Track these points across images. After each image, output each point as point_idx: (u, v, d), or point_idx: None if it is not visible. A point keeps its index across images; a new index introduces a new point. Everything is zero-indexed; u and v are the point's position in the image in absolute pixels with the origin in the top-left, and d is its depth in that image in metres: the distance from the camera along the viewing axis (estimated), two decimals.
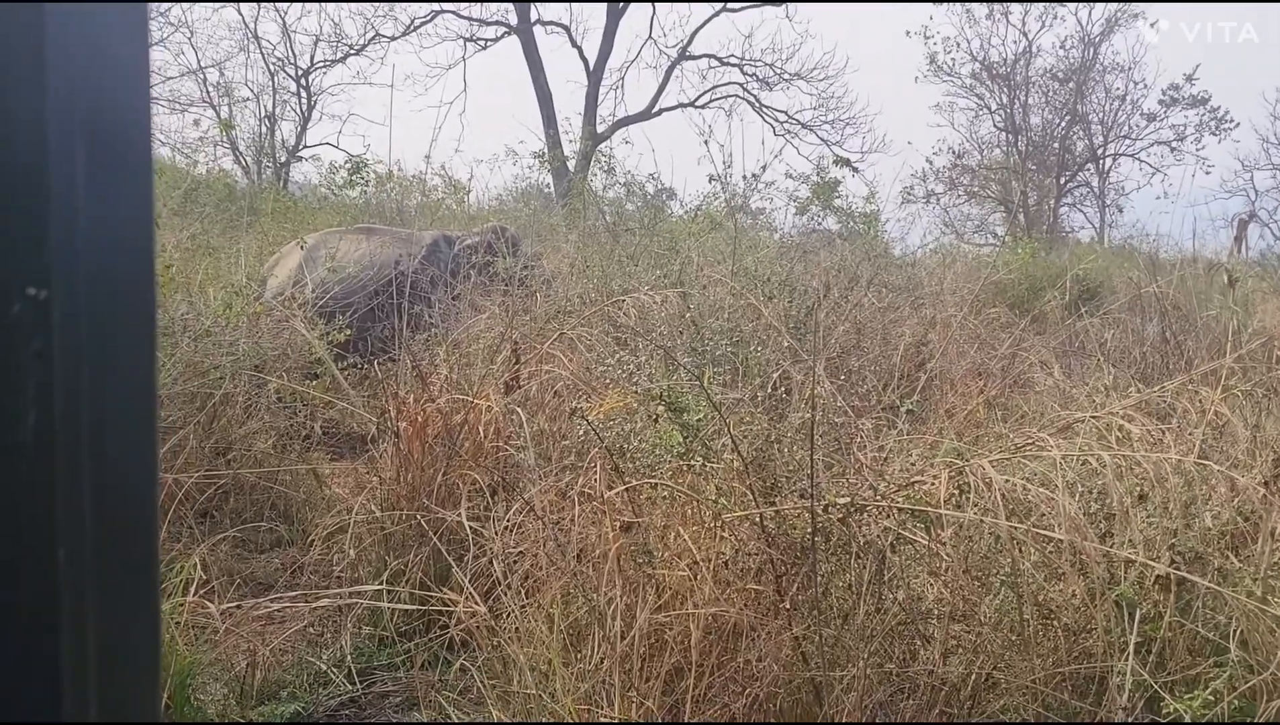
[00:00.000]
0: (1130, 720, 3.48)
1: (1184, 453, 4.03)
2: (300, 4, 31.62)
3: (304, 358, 7.85)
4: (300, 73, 28.63)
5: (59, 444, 0.71)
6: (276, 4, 28.91)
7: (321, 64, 29.11)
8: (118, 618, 0.77)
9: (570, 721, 3.89)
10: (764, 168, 18.16)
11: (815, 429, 4.18)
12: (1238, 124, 33.58)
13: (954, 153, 35.89)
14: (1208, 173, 33.70)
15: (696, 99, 31.77)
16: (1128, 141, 35.57)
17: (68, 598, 0.72)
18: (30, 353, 0.70)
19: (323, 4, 28.69)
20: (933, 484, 4.08)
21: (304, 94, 28.66)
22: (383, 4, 31.40)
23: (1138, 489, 3.95)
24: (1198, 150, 34.03)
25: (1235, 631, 3.57)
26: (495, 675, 4.39)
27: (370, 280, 9.60)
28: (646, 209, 15.42)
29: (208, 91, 27.95)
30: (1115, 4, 34.51)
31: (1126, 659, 3.52)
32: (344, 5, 29.22)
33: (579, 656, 4.04)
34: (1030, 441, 4.34)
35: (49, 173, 0.72)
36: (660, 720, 3.86)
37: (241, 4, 27.81)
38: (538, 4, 30.69)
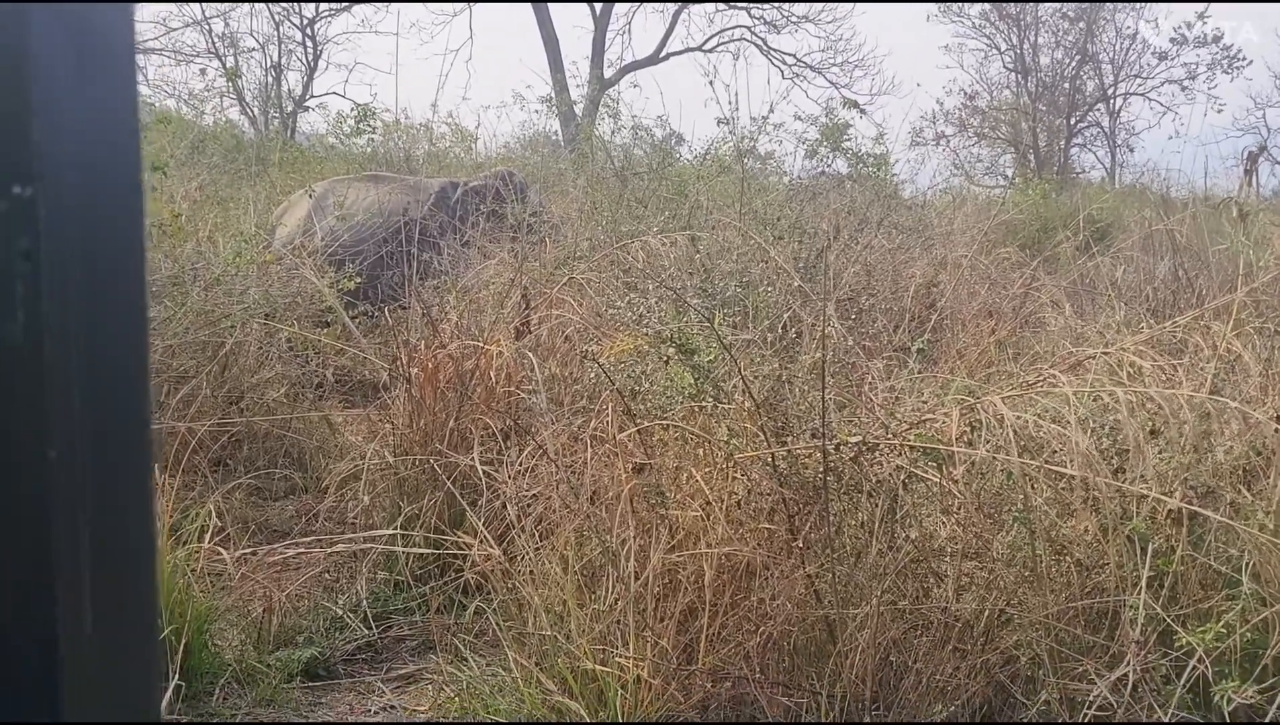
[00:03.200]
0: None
1: (1196, 388, 4.01)
2: None
3: (314, 306, 7.85)
4: (305, 22, 28.46)
5: (49, 346, 0.70)
6: None
7: (327, 13, 28.93)
8: (111, 516, 0.77)
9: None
10: (771, 109, 18.08)
11: (826, 368, 4.17)
12: (1250, 61, 33.26)
13: (964, 94, 35.65)
14: (1219, 111, 33.40)
15: (704, 43, 31.58)
16: (1138, 81, 35.27)
17: (59, 498, 0.72)
18: (17, 252, 0.69)
19: None
20: (944, 422, 4.07)
21: (310, 43, 28.51)
22: None
23: (1150, 424, 3.94)
24: (1209, 89, 33.73)
25: (1247, 565, 3.57)
26: (510, 617, 4.41)
27: (379, 227, 9.58)
28: (655, 153, 15.35)
29: (213, 42, 27.79)
30: None
31: (1139, 593, 3.51)
32: None
33: (593, 597, 4.06)
34: (1041, 378, 4.33)
35: (31, 64, 0.70)
36: (675, 660, 3.87)
37: None
38: None
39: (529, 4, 30.33)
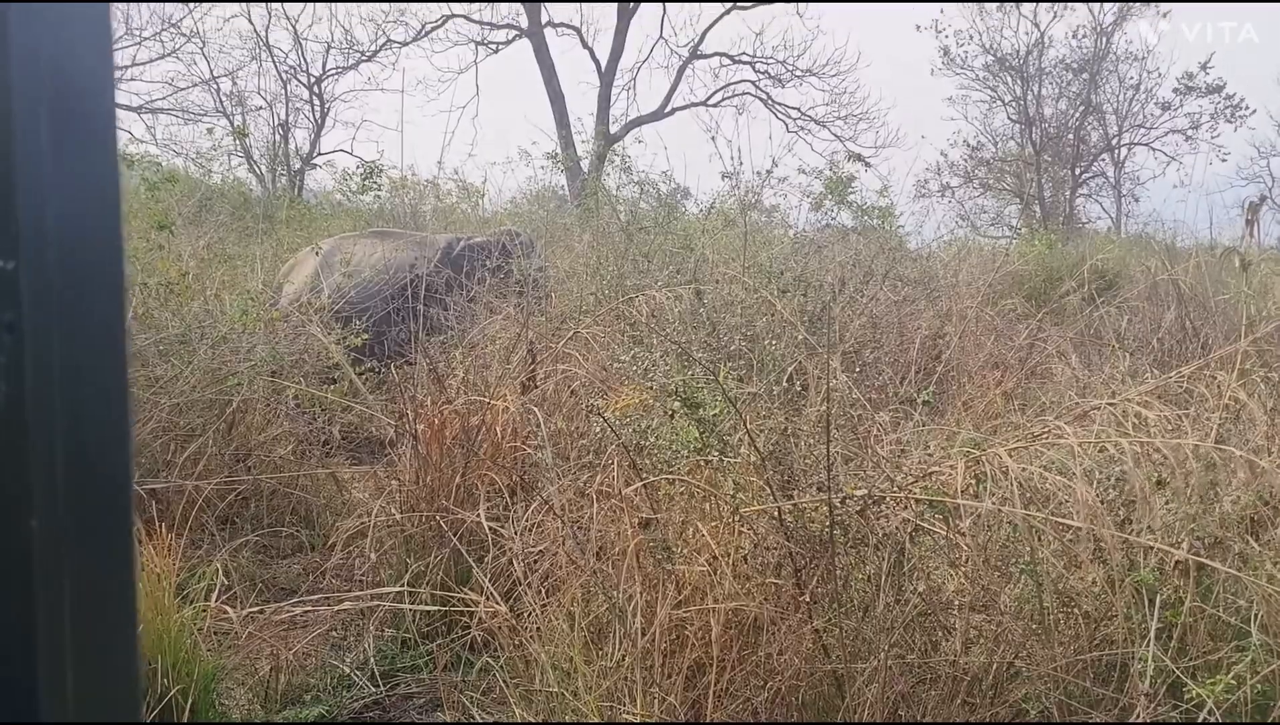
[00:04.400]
0: (1157, 721, 3.45)
1: (1201, 438, 4.01)
2: (311, 10, 31.57)
3: (321, 363, 7.87)
4: (313, 80, 28.67)
5: (31, 417, 0.71)
6: (287, 9, 28.95)
7: (334, 71, 29.15)
8: (93, 583, 0.77)
9: (592, 721, 3.88)
10: (775, 162, 18.14)
11: (830, 421, 4.17)
12: (1253, 111, 33.39)
13: (969, 145, 35.80)
14: (1223, 160, 33.50)
15: (709, 98, 31.74)
16: (1142, 131, 35.41)
17: (42, 567, 0.72)
18: (0, 324, 0.70)
19: (333, 11, 28.72)
20: (949, 474, 4.06)
21: (317, 101, 28.70)
22: (394, 8, 31.44)
23: (1155, 475, 3.93)
24: (1213, 138, 33.86)
25: (1256, 616, 3.55)
26: (517, 674, 4.39)
27: (385, 284, 9.62)
28: (660, 207, 15.40)
29: (221, 101, 28.04)
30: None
31: (1148, 645, 3.50)
32: (355, 11, 29.27)
33: (600, 654, 4.04)
34: (1046, 430, 4.32)
35: (14, 141, 0.71)
36: (683, 717, 3.85)
37: (252, 11, 27.87)
38: (548, 5, 30.64)
39: (535, 61, 30.53)
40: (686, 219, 14.03)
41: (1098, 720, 3.67)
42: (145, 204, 8.96)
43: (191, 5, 27.01)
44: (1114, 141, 35.91)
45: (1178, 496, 3.89)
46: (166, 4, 27.21)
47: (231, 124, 26.66)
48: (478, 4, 32.17)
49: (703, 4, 42.59)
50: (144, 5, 26.65)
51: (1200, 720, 3.32)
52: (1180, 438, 4.05)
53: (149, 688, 4.18)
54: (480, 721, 4.29)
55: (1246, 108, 33.41)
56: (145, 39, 27.92)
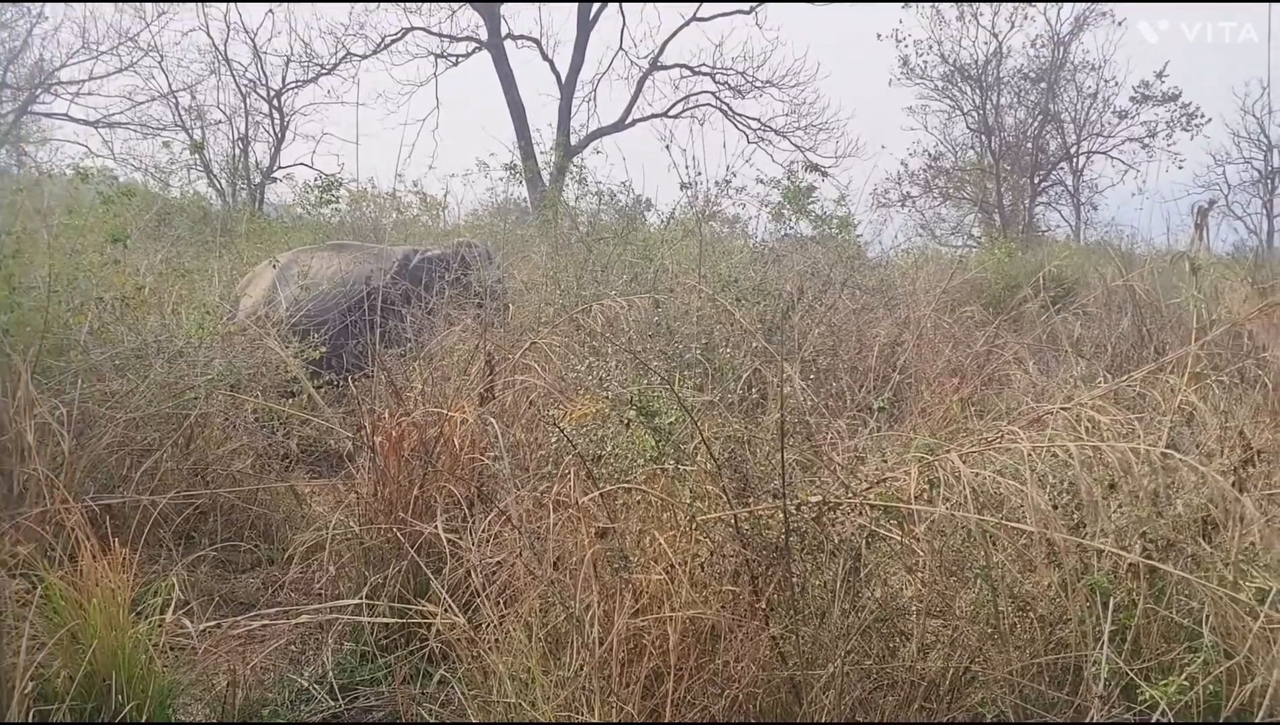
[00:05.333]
0: (1112, 720, 3.48)
1: (1153, 442, 4.04)
2: (271, 23, 31.43)
3: (279, 376, 7.84)
4: (272, 94, 28.61)
5: None
6: (246, 22, 28.87)
7: (293, 84, 29.10)
8: None
9: (554, 722, 3.88)
10: (730, 172, 18.17)
11: (784, 427, 4.18)
12: (1208, 119, 33.73)
13: (928, 155, 36.00)
14: (1180, 168, 33.87)
15: (669, 109, 31.85)
16: (1100, 139, 35.71)
17: None
18: None
19: (293, 23, 28.66)
20: (904, 480, 4.08)
21: (277, 115, 28.63)
22: (354, 21, 31.40)
23: (1108, 479, 3.97)
24: (1169, 146, 34.20)
25: (1207, 617, 3.58)
26: (476, 686, 4.38)
27: (343, 297, 9.60)
28: (620, 218, 15.42)
29: (180, 115, 27.94)
30: (1082, 3, 34.62)
31: (1102, 647, 3.52)
32: (314, 24, 29.23)
33: (558, 664, 4.04)
34: (1000, 435, 4.35)
35: None
36: (643, 722, 3.85)
37: (211, 25, 27.80)
38: (507, 18, 30.64)
39: (494, 73, 30.52)
40: (647, 230, 14.05)
41: (1053, 722, 3.70)
42: (101, 218, 8.90)
43: (149, 19, 26.91)
44: (1072, 150, 36.18)
45: (1130, 500, 3.92)
46: (124, 16, 27.10)
47: (191, 137, 26.56)
48: (438, 16, 32.16)
49: (662, 15, 42.73)
50: (101, 19, 26.54)
51: (1154, 721, 3.34)
52: (1133, 441, 4.08)
53: (103, 704, 4.16)
54: (441, 723, 4.28)
55: (1202, 116, 33.75)
56: (102, 53, 27.84)
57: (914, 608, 4.13)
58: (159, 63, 28.28)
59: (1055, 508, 3.88)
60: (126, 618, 4.38)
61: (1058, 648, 3.84)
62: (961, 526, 3.97)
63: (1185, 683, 3.40)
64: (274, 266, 9.88)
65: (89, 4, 33.20)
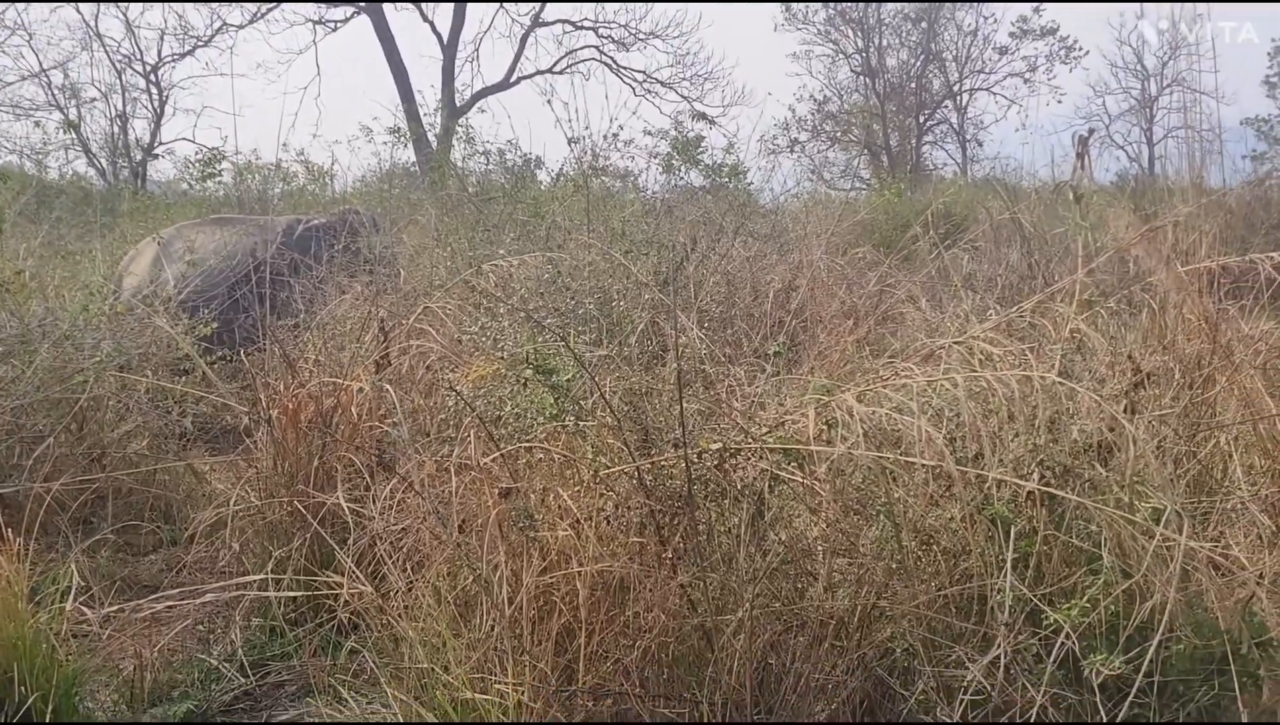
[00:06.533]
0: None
1: (1046, 370, 4.09)
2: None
3: (170, 355, 7.71)
4: (148, 69, 28.07)
5: None
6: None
7: (170, 58, 28.54)
8: None
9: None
10: (615, 124, 18.09)
11: (682, 378, 4.19)
12: (1086, 51, 34.27)
13: (815, 100, 36.19)
14: (1060, 102, 34.43)
15: (554, 65, 31.71)
16: (983, 76, 36.14)
17: None
18: None
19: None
20: (803, 422, 4.11)
21: (154, 90, 28.10)
22: None
23: (1003, 409, 4.02)
24: (1050, 80, 34.71)
25: (1105, 540, 3.65)
26: (387, 653, 4.36)
27: (230, 270, 9.46)
28: (510, 177, 15.33)
29: (53, 94, 27.28)
30: None
31: (1005, 576, 3.57)
32: None
33: (469, 626, 4.03)
34: (894, 372, 4.39)
35: None
36: (554, 683, 3.85)
37: (79, 4, 27.16)
38: None
39: (375, 37, 30.16)
40: (538, 187, 13.98)
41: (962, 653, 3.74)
42: None
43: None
44: (955, 88, 36.60)
45: (1027, 428, 3.97)
46: None
47: (66, 117, 25.98)
48: None
49: None
50: None
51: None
52: (1025, 371, 4.13)
53: (5, 696, 4.08)
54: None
55: (1080, 48, 34.26)
56: None
57: (819, 548, 4.17)
58: (28, 41, 27.58)
59: (952, 440, 3.92)
60: (25, 608, 4.30)
61: (962, 579, 3.89)
62: (861, 465, 4.00)
63: (1087, 605, 3.47)
64: (158, 242, 9.70)
65: None
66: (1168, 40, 33.24)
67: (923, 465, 3.87)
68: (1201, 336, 4.97)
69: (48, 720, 4.06)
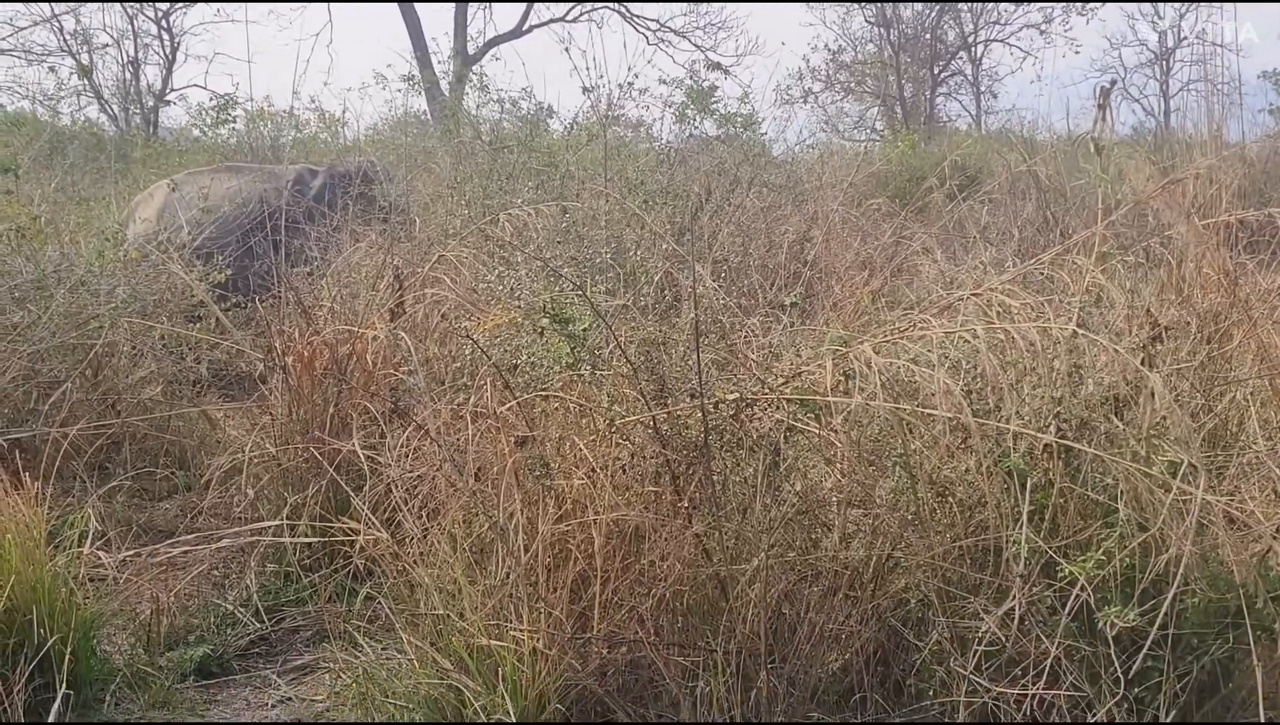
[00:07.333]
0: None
1: (1063, 323, 4.08)
2: None
3: (184, 301, 7.72)
4: (160, 14, 27.90)
5: None
6: None
7: (181, 4, 28.37)
8: None
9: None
10: (632, 73, 17.99)
11: (699, 327, 4.19)
12: (1103, 2, 33.99)
13: (829, 50, 35.96)
14: (1077, 53, 34.22)
15: (567, 13, 31.51)
16: (998, 27, 35.86)
17: None
18: None
19: None
20: (819, 373, 4.10)
21: (166, 36, 27.96)
22: None
23: (1021, 361, 4.01)
24: (1066, 31, 34.43)
25: (1122, 493, 3.64)
26: (402, 600, 4.38)
27: (243, 218, 9.45)
28: (524, 126, 15.27)
29: (65, 40, 27.14)
30: None
31: (1020, 528, 3.57)
32: None
33: (484, 573, 4.04)
34: (912, 324, 4.38)
35: None
36: (569, 629, 3.87)
37: None
38: None
39: None
40: (551, 136, 13.93)
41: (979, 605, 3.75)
42: None
43: None
44: (970, 39, 36.32)
45: (1044, 380, 3.96)
46: None
47: (78, 62, 25.89)
48: None
49: None
50: None
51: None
52: (1043, 323, 4.12)
53: (25, 639, 4.11)
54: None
55: None
56: None
57: (834, 498, 4.18)
58: None
59: (969, 393, 3.91)
60: (44, 552, 4.33)
61: (977, 530, 3.89)
62: (878, 416, 4.00)
63: (1102, 557, 3.47)
64: (172, 189, 9.68)
65: None
66: None
67: (940, 417, 3.86)
68: (1219, 291, 4.95)
69: (66, 665, 4.07)
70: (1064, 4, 33.92)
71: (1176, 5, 34.24)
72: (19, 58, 26.63)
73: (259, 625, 4.98)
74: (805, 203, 9.92)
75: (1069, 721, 3.59)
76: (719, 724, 3.78)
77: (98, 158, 15.13)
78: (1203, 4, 32.39)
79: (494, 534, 4.05)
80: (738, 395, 4.09)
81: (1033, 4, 34.40)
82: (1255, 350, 4.84)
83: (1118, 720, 3.51)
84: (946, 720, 3.77)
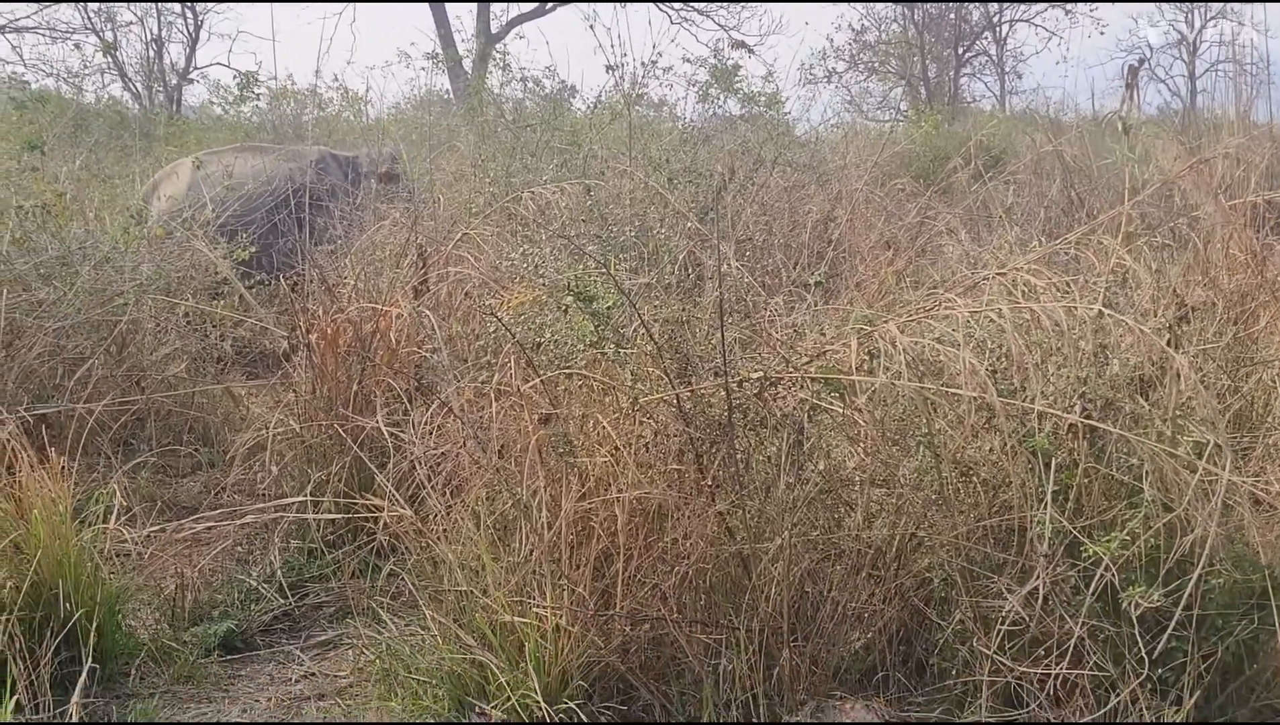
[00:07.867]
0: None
1: (1089, 303, 4.06)
2: None
3: (208, 279, 7.74)
4: None
5: None
6: None
7: None
8: None
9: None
10: (657, 52, 17.99)
11: (723, 306, 4.18)
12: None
13: (852, 30, 35.84)
14: (1102, 33, 34.03)
15: None
16: (1023, 7, 35.66)
17: None
18: None
19: None
20: (843, 352, 4.10)
21: (190, 14, 27.99)
22: None
23: (1047, 341, 3.99)
24: (1091, 11, 34.21)
25: (1146, 473, 3.63)
26: (426, 577, 4.39)
27: (269, 195, 9.46)
28: (547, 104, 15.25)
29: (89, 17, 27.20)
30: None
31: (1045, 508, 3.57)
32: None
33: (508, 550, 4.05)
34: (937, 303, 4.36)
35: None
36: (592, 605, 3.87)
37: None
38: None
39: None
40: (574, 115, 13.91)
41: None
42: (15, 125, 8.71)
43: None
44: (995, 19, 36.15)
45: (1069, 361, 3.95)
46: None
47: (102, 40, 25.95)
48: None
49: None
50: None
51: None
52: (1069, 303, 4.10)
53: (51, 613, 4.13)
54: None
55: None
56: None
57: (858, 478, 4.18)
58: None
59: (994, 372, 3.90)
60: (70, 526, 4.35)
61: (1001, 510, 3.89)
62: (902, 395, 3.99)
63: (1127, 538, 3.46)
64: (198, 167, 9.70)
65: None
66: None
67: (965, 396, 3.86)
68: (1247, 271, 4.93)
69: (91, 639, 4.09)
70: None
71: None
72: (44, 35, 26.73)
73: (283, 601, 5.00)
74: (829, 182, 9.88)
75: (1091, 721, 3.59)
76: None
77: (122, 135, 15.17)
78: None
79: (517, 511, 4.06)
80: (761, 374, 4.09)
81: None
82: None
83: (1141, 703, 3.51)
84: (968, 699, 3.77)
